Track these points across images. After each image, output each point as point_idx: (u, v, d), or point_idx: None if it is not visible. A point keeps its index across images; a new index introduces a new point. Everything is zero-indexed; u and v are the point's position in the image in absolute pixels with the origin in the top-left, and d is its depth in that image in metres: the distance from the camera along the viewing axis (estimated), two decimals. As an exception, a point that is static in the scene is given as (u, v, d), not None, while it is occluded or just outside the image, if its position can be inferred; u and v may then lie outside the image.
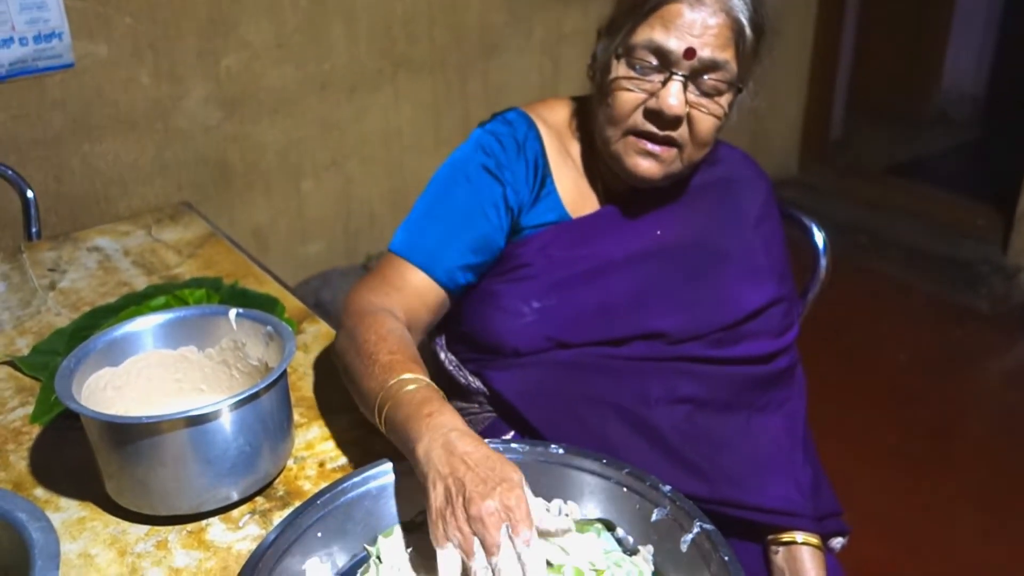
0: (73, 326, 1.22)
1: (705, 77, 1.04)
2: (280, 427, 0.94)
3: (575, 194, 1.17)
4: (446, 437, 0.81)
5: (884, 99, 4.24)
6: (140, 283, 1.36)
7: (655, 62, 1.05)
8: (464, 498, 0.75)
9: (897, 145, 4.19)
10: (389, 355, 0.93)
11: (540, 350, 1.11)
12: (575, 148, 1.20)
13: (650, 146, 1.08)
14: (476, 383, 1.16)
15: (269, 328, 0.98)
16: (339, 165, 2.52)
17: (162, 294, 1.27)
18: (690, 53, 1.02)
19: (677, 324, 1.12)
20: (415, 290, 1.09)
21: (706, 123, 1.07)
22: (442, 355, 1.20)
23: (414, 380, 0.89)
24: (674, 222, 1.17)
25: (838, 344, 2.73)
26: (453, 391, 1.19)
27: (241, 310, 1.01)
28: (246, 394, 0.88)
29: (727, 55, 1.04)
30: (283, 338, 0.96)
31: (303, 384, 1.13)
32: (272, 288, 1.34)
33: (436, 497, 0.77)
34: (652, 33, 1.04)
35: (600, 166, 1.17)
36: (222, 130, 2.28)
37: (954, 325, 2.89)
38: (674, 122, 1.06)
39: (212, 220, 2.34)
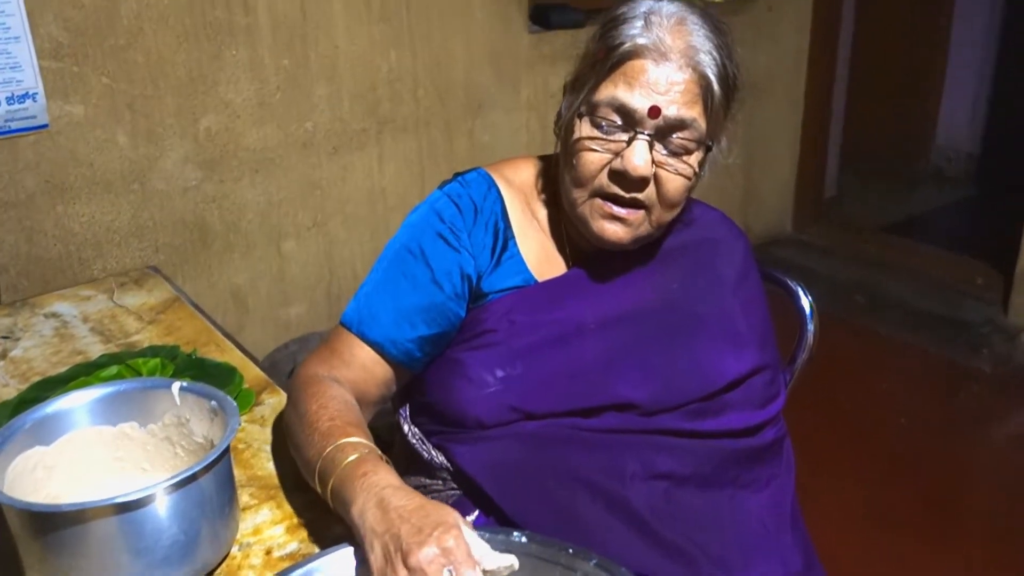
0: (18, 399, 1.16)
1: (672, 136, 1.00)
2: (221, 512, 0.87)
3: (541, 256, 1.11)
4: (380, 495, 0.78)
5: (878, 156, 4.22)
6: (96, 351, 1.29)
7: (619, 120, 1.00)
8: (402, 552, 0.74)
9: (892, 202, 4.16)
10: (329, 422, 0.90)
11: (505, 422, 1.04)
12: (541, 209, 1.14)
13: (616, 209, 1.02)
14: (440, 458, 1.08)
15: (213, 403, 0.92)
16: (321, 226, 2.48)
17: (115, 363, 1.20)
18: (655, 111, 0.97)
19: (651, 394, 1.05)
20: (363, 365, 1.04)
21: (674, 183, 1.02)
22: (405, 427, 1.13)
23: (353, 445, 0.86)
24: (646, 285, 1.11)
25: (834, 407, 2.65)
26: (416, 466, 1.12)
27: (185, 383, 0.94)
28: (181, 476, 0.81)
29: (694, 112, 0.99)
30: (227, 414, 0.89)
31: (256, 461, 1.06)
32: (233, 356, 1.28)
33: (376, 559, 0.76)
34: (615, 90, 0.99)
35: (567, 227, 1.12)
36: (201, 191, 2.23)
37: (955, 387, 2.81)
38: (640, 183, 1.01)
39: (190, 282, 2.31)
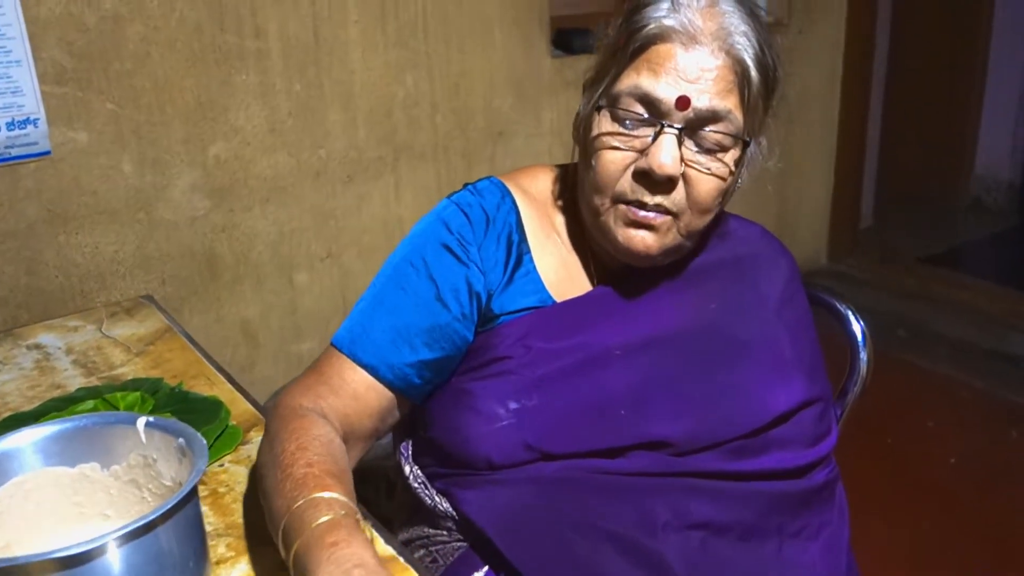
0: (-19, 436, 1.05)
1: (704, 130, 0.88)
2: (184, 567, 0.75)
3: (561, 274, 0.99)
4: (348, 575, 0.64)
5: (915, 185, 4.08)
6: (76, 385, 1.19)
7: (644, 113, 0.89)
8: None
9: (931, 233, 4.00)
10: (306, 468, 0.76)
11: (519, 462, 0.91)
12: (561, 221, 1.03)
13: (641, 214, 0.90)
14: (444, 504, 0.96)
15: (181, 441, 0.80)
16: (335, 257, 2.38)
17: (92, 398, 1.10)
18: (683, 102, 0.86)
19: (686, 430, 0.92)
20: (354, 393, 0.92)
21: (707, 185, 0.90)
22: (407, 469, 1.01)
23: (328, 502, 0.72)
24: (680, 307, 0.99)
25: (879, 446, 2.49)
26: (419, 514, 1.00)
27: (151, 419, 0.83)
28: (135, 525, 0.69)
29: (729, 103, 0.87)
30: (194, 453, 0.78)
31: (237, 507, 0.94)
32: (223, 390, 1.17)
33: None
34: (639, 79, 0.88)
35: (591, 241, 1.00)
36: (209, 220, 2.15)
37: (1007, 425, 2.64)
38: (667, 185, 0.89)
39: (198, 316, 2.22)
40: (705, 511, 0.91)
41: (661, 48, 0.87)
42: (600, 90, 0.92)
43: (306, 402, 0.90)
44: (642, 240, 0.92)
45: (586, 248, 1.02)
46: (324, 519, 0.71)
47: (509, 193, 1.01)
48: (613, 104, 0.90)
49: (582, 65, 2.71)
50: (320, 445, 0.81)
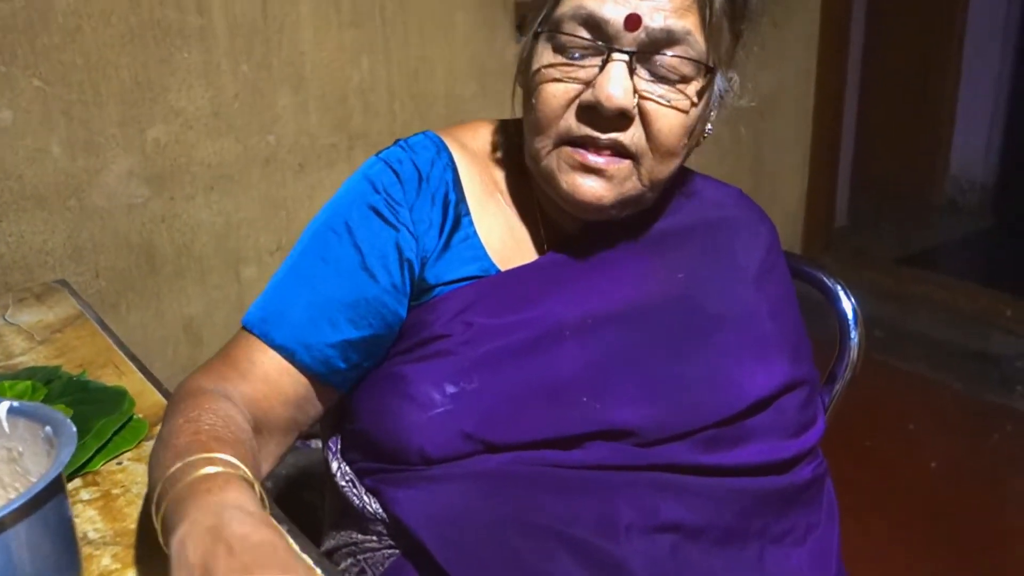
0: None
1: (659, 56, 0.76)
2: (41, 582, 0.61)
3: (506, 239, 0.87)
4: (218, 517, 0.53)
5: (890, 185, 4.01)
6: (-35, 375, 1.05)
7: (589, 38, 0.77)
8: None
9: (906, 233, 3.93)
10: (192, 436, 0.63)
11: (458, 455, 0.79)
12: (505, 179, 0.90)
13: (591, 158, 0.78)
14: (374, 505, 0.83)
15: (48, 430, 0.67)
16: (286, 250, 2.23)
17: (-24, 388, 0.96)
18: (633, 21, 0.75)
19: (651, 417, 0.80)
20: (265, 377, 0.79)
21: (668, 120, 0.78)
22: (334, 466, 0.88)
23: (210, 460, 0.60)
24: (645, 275, 0.86)
25: (857, 451, 2.39)
26: (347, 517, 0.87)
27: (15, 404, 0.69)
28: (-31, 531, 0.56)
29: (688, 23, 0.76)
30: (60, 443, 0.64)
31: (131, 511, 0.80)
32: (132, 380, 1.04)
33: None
34: (585, 1, 0.76)
35: (540, 201, 0.88)
36: (148, 209, 2.00)
37: (990, 427, 2.54)
38: (618, 120, 0.77)
39: (136, 312, 2.06)
40: (675, 511, 0.79)
41: None
42: (540, 17, 0.80)
43: (207, 383, 0.77)
44: (591, 190, 0.80)
45: (534, 210, 0.90)
46: (203, 472, 0.59)
47: (446, 148, 0.89)
48: (555, 30, 0.79)
49: (548, 52, 2.62)
50: (212, 416, 0.69)
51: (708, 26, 0.77)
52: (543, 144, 0.81)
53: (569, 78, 0.78)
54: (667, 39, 0.76)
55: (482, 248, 0.86)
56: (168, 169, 2.01)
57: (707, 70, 0.79)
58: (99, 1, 1.84)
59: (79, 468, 0.85)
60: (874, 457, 2.41)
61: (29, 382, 0.95)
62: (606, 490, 0.78)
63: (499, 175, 0.91)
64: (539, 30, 0.80)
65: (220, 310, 2.17)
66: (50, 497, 0.61)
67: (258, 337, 0.81)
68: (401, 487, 0.79)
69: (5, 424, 0.69)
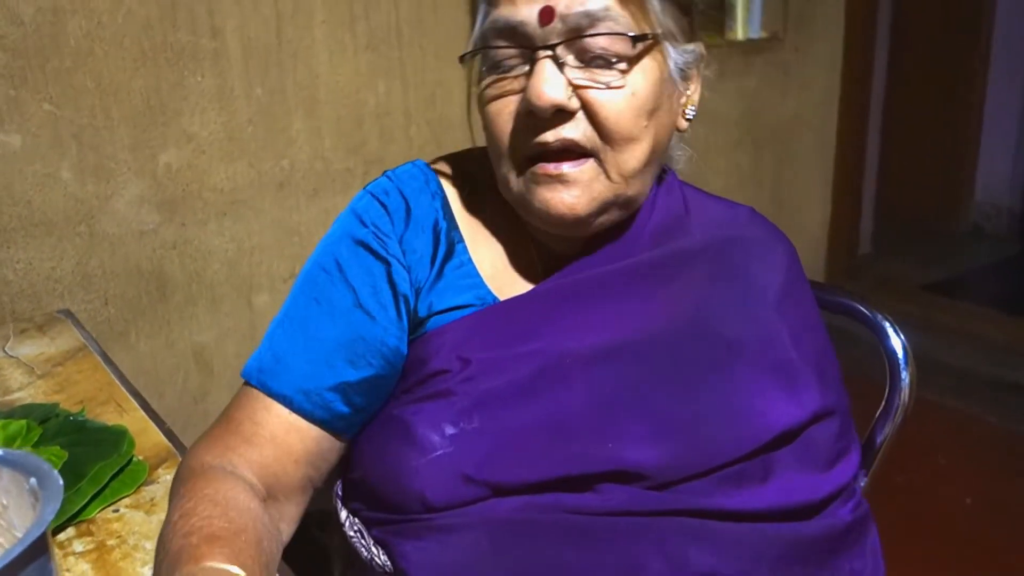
0: None
1: (585, 41, 0.73)
2: (20, 654, 0.56)
3: (501, 265, 0.83)
4: None
5: (914, 212, 3.94)
6: (-41, 412, 1.00)
7: (512, 45, 0.74)
8: None
9: (931, 260, 3.85)
10: (183, 539, 0.58)
11: (462, 501, 0.73)
12: (498, 206, 0.85)
13: (551, 167, 0.76)
14: (382, 557, 0.77)
15: (33, 481, 0.61)
16: (299, 277, 2.19)
17: (-32, 427, 0.90)
18: (545, 14, 0.73)
19: (666, 455, 0.74)
20: (271, 436, 0.74)
21: (614, 103, 0.75)
22: (342, 515, 0.82)
23: (202, 571, 0.55)
24: (652, 301, 0.81)
25: (887, 487, 2.29)
26: (355, 568, 0.81)
27: (0, 452, 0.64)
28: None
29: (624, 8, 0.74)
30: (44, 498, 0.59)
31: (127, 565, 0.75)
32: (133, 418, 0.98)
33: None
34: (498, 11, 0.74)
35: (530, 226, 0.84)
36: (159, 235, 1.96)
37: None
38: (560, 118, 0.75)
39: (146, 340, 2.02)
40: (707, 559, 0.72)
41: None
42: (471, 41, 0.79)
43: (211, 458, 0.74)
44: (562, 201, 0.76)
45: (527, 236, 0.86)
46: None
47: (434, 175, 0.86)
48: (485, 47, 0.77)
49: (568, 76, 2.58)
50: (209, 505, 0.64)
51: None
52: (507, 169, 0.78)
53: (507, 92, 0.76)
54: (588, 22, 0.73)
55: (478, 276, 0.82)
56: (180, 194, 1.97)
57: (641, 40, 0.75)
58: (112, 24, 1.81)
59: (73, 516, 0.80)
60: (906, 492, 2.32)
61: (24, 422, 0.90)
62: (630, 538, 0.72)
63: (490, 201, 0.86)
64: (470, 53, 0.78)
65: (231, 338, 2.12)
66: (32, 559, 0.55)
67: (257, 388, 0.78)
68: (409, 539, 0.73)
69: (-12, 473, 0.63)
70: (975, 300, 3.45)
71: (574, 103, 0.75)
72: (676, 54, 0.79)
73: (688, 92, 0.83)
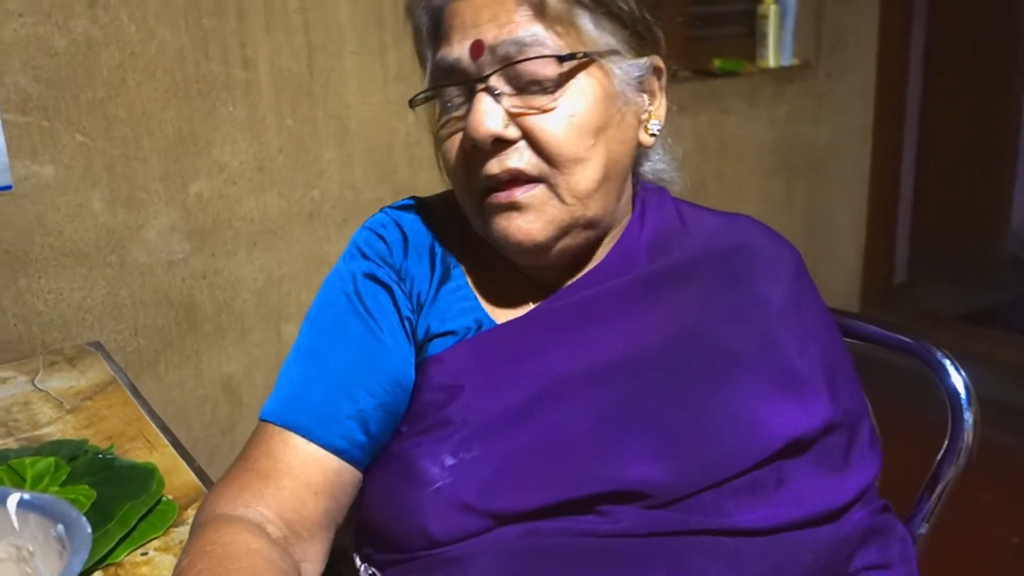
0: None
1: (516, 68, 0.75)
2: None
3: (496, 290, 0.84)
4: None
5: (950, 240, 3.87)
6: (-12, 447, 0.98)
7: (455, 85, 0.79)
8: None
9: (968, 290, 3.77)
10: None
11: (467, 534, 0.71)
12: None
13: (503, 196, 0.77)
14: None
15: (60, 528, 0.59)
16: (328, 307, 2.17)
17: (-5, 464, 0.89)
18: (475, 48, 0.76)
19: (671, 470, 0.72)
20: (290, 471, 0.73)
21: (551, 126, 0.75)
22: (357, 561, 0.80)
23: None
24: (650, 315, 0.80)
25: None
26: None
27: (27, 496, 0.62)
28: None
29: (530, 26, 0.75)
30: (72, 547, 0.56)
31: (155, 613, 0.72)
32: (163, 455, 0.96)
33: None
34: (440, 52, 0.78)
35: None
36: (189, 265, 1.95)
37: (1072, 499, 2.38)
38: (497, 146, 0.76)
39: (175, 371, 2.00)
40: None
41: (449, 11, 0.78)
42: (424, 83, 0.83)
43: (222, 504, 0.72)
44: (518, 228, 0.77)
45: (517, 267, 0.86)
46: None
47: (428, 208, 0.89)
48: (432, 89, 0.80)
49: (598, 105, 2.57)
50: (204, 559, 0.64)
51: (552, 17, 0.75)
52: (468, 204, 0.81)
53: (456, 130, 0.79)
54: (517, 50, 0.75)
55: (475, 298, 0.83)
56: (210, 224, 1.96)
57: (569, 59, 0.75)
58: (145, 55, 1.82)
59: (100, 560, 0.77)
60: (949, 531, 2.25)
61: (52, 459, 0.88)
62: (645, 560, 0.69)
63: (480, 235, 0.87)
64: (418, 99, 0.82)
65: (260, 369, 2.10)
66: (57, 613, 0.53)
67: (276, 425, 0.77)
68: None
69: (14, 519, 0.61)
70: (1014, 329, 3.38)
71: (512, 132, 0.76)
72: (622, 70, 0.79)
73: (650, 107, 0.82)
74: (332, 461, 0.76)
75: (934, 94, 3.74)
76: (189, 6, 1.85)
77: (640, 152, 0.87)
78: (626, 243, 0.85)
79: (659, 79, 0.83)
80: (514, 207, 0.77)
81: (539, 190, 0.77)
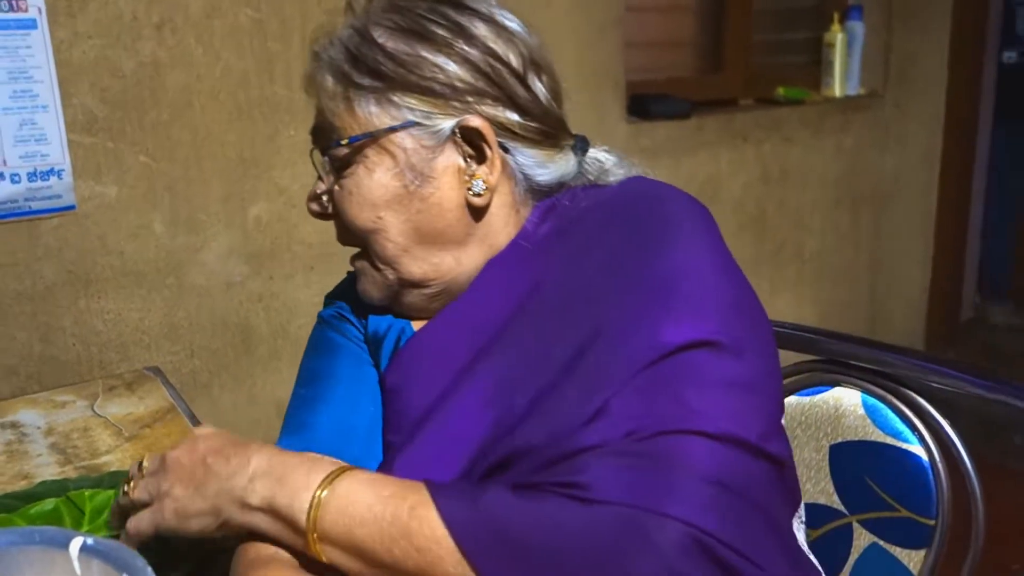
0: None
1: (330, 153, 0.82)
2: None
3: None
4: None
5: (1020, 276, 3.74)
6: (46, 475, 0.96)
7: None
8: None
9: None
10: None
11: None
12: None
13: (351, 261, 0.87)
14: None
15: (124, 577, 0.55)
16: (384, 333, 2.15)
17: (54, 495, 0.87)
18: (313, 134, 0.86)
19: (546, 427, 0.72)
20: None
21: (339, 203, 0.82)
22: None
23: None
24: (516, 287, 0.82)
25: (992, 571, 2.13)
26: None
27: (90, 541, 0.58)
28: None
29: (323, 114, 0.82)
30: (137, 600, 0.53)
31: (215, 662, 0.68)
32: (222, 490, 0.92)
33: None
34: None
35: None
36: (246, 288, 1.94)
37: None
38: (331, 222, 0.86)
39: (229, 394, 1.99)
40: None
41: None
42: None
43: (262, 548, 0.75)
44: (363, 289, 0.87)
45: None
46: None
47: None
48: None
49: (660, 132, 2.51)
50: None
51: (331, 108, 0.80)
52: None
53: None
54: (323, 136, 0.83)
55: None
56: (268, 247, 1.95)
57: (341, 144, 0.80)
58: (210, 78, 1.82)
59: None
60: (1023, 583, 2.15)
61: (113, 492, 0.85)
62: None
63: None
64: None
65: (313, 394, 2.08)
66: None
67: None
68: None
69: (77, 565, 0.58)
70: (1087, 371, 3.24)
71: (320, 207, 0.86)
72: (414, 140, 0.80)
73: (475, 167, 0.80)
74: None
75: (1005, 125, 3.63)
76: (255, 30, 1.85)
77: (581, 164, 0.88)
78: (510, 257, 0.85)
79: (482, 138, 0.79)
80: (358, 271, 0.87)
81: (364, 259, 0.85)
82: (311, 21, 1.91)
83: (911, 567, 1.03)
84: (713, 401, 0.68)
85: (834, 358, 1.10)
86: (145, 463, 0.78)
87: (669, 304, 0.72)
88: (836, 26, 2.77)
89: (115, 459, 0.99)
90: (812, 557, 0.83)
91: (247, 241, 1.92)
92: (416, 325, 0.86)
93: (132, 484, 0.76)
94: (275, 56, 1.88)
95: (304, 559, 0.72)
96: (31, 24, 1.62)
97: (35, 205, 1.69)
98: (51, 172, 1.69)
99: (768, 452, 0.70)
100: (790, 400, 1.12)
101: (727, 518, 0.65)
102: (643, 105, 2.45)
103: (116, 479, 0.91)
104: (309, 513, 0.69)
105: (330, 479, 0.70)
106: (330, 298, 0.97)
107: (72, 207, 1.73)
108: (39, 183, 1.68)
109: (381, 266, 0.83)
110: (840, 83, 2.82)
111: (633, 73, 2.46)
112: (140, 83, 1.75)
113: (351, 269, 0.91)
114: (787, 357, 1.14)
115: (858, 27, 2.79)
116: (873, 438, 1.04)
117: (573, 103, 2.59)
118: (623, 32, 2.36)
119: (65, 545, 0.58)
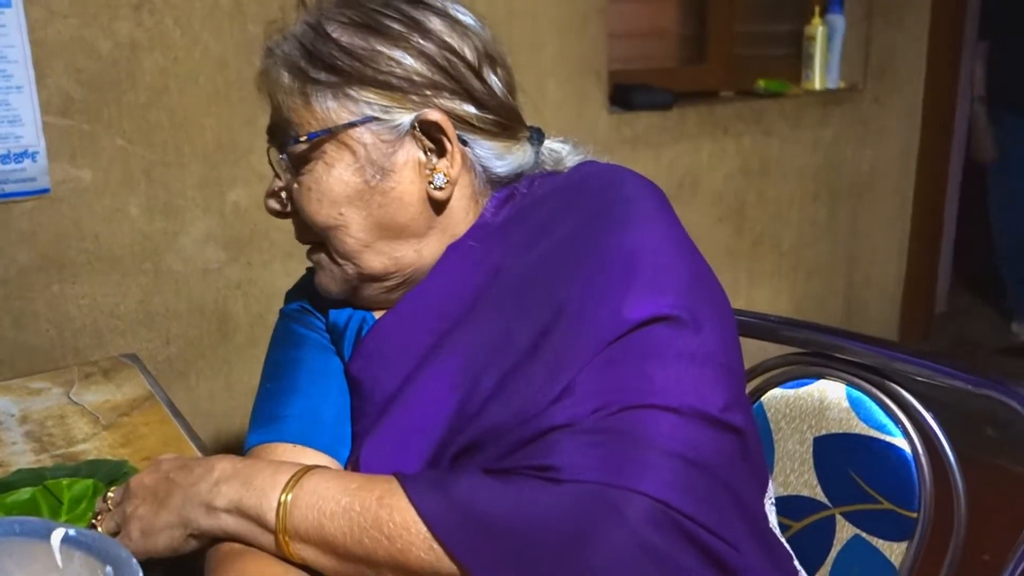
0: None
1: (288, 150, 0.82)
2: None
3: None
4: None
5: (993, 271, 3.79)
6: (21, 463, 0.94)
7: None
8: None
9: (1012, 320, 3.69)
10: None
11: None
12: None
13: (309, 255, 0.88)
14: None
15: (109, 571, 0.54)
16: (363, 321, 2.13)
17: (31, 484, 0.85)
18: (268, 132, 0.86)
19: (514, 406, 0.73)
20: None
21: (298, 200, 0.82)
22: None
23: None
24: (475, 269, 0.83)
25: (972, 568, 2.15)
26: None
27: (72, 532, 0.57)
28: None
29: (279, 111, 0.83)
30: (122, 593, 0.52)
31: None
32: (204, 479, 0.91)
33: None
34: None
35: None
36: (224, 275, 1.91)
37: (1123, 544, 2.29)
38: (290, 220, 0.86)
39: (206, 381, 1.96)
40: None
41: None
42: None
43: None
44: (320, 282, 0.87)
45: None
46: None
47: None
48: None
49: (642, 122, 2.50)
50: None
51: (288, 104, 0.81)
52: None
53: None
54: (281, 133, 0.82)
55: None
56: (247, 234, 1.92)
57: (299, 141, 0.80)
58: (188, 61, 1.79)
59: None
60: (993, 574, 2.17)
61: (90, 481, 0.84)
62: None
63: None
64: None
65: (291, 383, 2.06)
66: (105, 668, 0.48)
67: (259, 444, 0.82)
68: None
69: (59, 556, 0.57)
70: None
71: (280, 204, 0.86)
72: (373, 135, 0.79)
73: (436, 161, 0.80)
74: (322, 457, 0.81)
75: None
76: (235, 12, 1.82)
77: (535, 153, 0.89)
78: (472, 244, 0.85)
79: (442, 131, 0.79)
80: (316, 265, 0.87)
81: (322, 253, 0.85)
82: (291, 4, 1.88)
83: (893, 559, 1.04)
84: (676, 375, 0.69)
85: (819, 351, 1.11)
86: (110, 495, 0.78)
87: (629, 281, 0.72)
88: (817, 19, 2.77)
89: (92, 447, 0.98)
90: (782, 537, 0.84)
91: (225, 227, 1.90)
92: (377, 314, 0.87)
93: (100, 518, 0.77)
94: (254, 39, 1.85)
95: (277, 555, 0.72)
96: (5, 2, 1.58)
97: (8, 188, 1.65)
98: (25, 154, 1.66)
99: (731, 424, 0.71)
100: (775, 392, 1.12)
101: (692, 492, 0.66)
102: (625, 95, 2.45)
103: (94, 468, 0.89)
104: (278, 511, 0.69)
105: (297, 477, 0.71)
106: (291, 294, 0.98)
107: (46, 190, 1.69)
108: (12, 165, 1.65)
109: (341, 261, 0.83)
110: (820, 76, 2.83)
111: (616, 63, 2.45)
112: (117, 64, 1.72)
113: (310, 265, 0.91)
114: (772, 349, 1.15)
115: (839, 20, 2.80)
116: (857, 431, 1.05)
117: (555, 92, 2.60)
118: (606, 22, 2.35)
119: (46, 536, 0.57)
